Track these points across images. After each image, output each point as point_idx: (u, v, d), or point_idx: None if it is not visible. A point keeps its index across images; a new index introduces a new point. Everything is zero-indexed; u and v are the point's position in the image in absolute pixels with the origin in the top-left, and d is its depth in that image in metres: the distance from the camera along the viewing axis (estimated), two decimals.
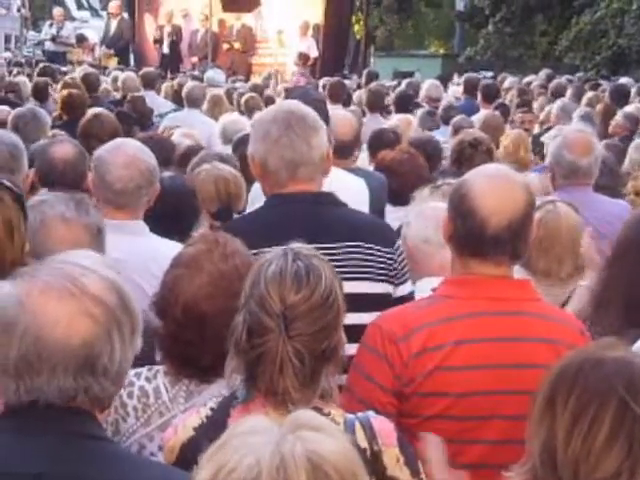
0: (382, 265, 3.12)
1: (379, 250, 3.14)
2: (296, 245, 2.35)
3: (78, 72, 11.76)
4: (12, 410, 1.90)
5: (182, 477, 1.96)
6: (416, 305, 2.81)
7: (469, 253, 2.74)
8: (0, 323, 1.87)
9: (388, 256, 3.15)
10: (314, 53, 19.52)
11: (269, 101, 10.23)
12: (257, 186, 5.54)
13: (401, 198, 4.95)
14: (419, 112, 9.61)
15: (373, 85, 11.42)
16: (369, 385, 2.65)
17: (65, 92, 8.46)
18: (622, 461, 1.72)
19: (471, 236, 2.71)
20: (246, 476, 1.44)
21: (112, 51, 19.24)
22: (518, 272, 3.74)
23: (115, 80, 12.35)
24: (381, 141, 6.30)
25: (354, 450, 1.53)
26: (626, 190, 5.45)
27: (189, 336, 2.52)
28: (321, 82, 13.61)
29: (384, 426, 2.30)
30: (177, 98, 10.74)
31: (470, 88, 11.36)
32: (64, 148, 4.43)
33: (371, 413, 2.34)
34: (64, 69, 14.87)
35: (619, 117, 8.95)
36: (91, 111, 6.69)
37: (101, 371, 1.87)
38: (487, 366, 2.65)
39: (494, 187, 2.73)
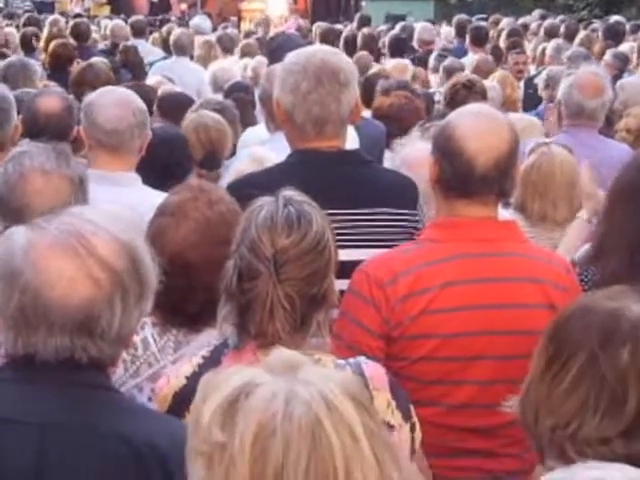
0: (409, 229, 3.06)
1: (406, 214, 3.08)
2: (288, 192, 2.33)
3: (49, 22, 11.60)
4: (12, 361, 1.90)
5: (182, 428, 1.97)
6: (402, 249, 2.80)
7: (456, 194, 2.73)
8: (5, 271, 1.85)
9: (414, 218, 3.11)
10: None
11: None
12: (247, 132, 5.55)
13: None
14: (432, 56, 9.57)
15: (366, 29, 11.32)
16: (357, 330, 2.66)
17: (53, 43, 8.42)
18: (574, 413, 1.71)
19: (458, 176, 2.70)
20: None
21: None
22: (512, 216, 3.74)
23: (104, 29, 12.25)
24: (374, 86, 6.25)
25: None
26: (617, 127, 5.42)
27: (176, 284, 2.50)
28: (314, 27, 13.50)
29: (375, 371, 2.30)
30: (166, 46, 10.66)
31: (461, 31, 11.27)
32: (50, 100, 4.39)
33: (362, 359, 2.34)
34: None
35: (608, 57, 8.88)
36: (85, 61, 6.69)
37: (99, 333, 1.85)
38: (474, 307, 2.66)
39: (479, 126, 2.72)
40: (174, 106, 5.49)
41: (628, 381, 1.69)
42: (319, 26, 12.65)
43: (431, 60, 9.42)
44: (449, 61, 8.23)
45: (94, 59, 7.08)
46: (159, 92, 6.10)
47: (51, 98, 4.44)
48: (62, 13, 17.12)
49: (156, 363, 2.54)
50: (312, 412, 1.35)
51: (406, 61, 8.96)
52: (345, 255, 2.66)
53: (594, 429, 1.70)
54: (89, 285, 1.83)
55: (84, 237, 1.85)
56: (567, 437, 1.72)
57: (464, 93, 5.75)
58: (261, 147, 4.31)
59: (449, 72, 7.49)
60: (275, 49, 7.88)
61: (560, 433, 1.73)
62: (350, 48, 9.72)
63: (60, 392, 1.85)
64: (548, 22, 12.86)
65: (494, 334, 2.66)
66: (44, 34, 10.27)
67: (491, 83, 6.90)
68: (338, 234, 2.58)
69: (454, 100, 5.71)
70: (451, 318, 2.64)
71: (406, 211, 3.09)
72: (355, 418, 1.37)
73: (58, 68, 7.89)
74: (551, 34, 11.38)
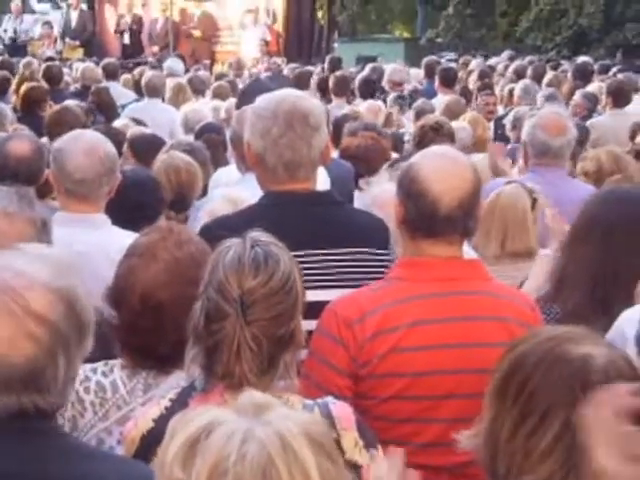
0: (380, 269, 3.07)
1: (376, 254, 3.10)
2: (255, 233, 2.35)
3: (23, 65, 11.63)
4: None
5: (142, 469, 1.95)
6: (370, 288, 2.82)
7: (422, 235, 2.77)
8: None
9: (386, 258, 3.12)
10: (268, 37, 19.87)
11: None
12: (218, 173, 5.56)
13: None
14: (390, 97, 9.65)
15: (339, 72, 11.41)
16: (326, 370, 2.67)
17: (24, 86, 8.45)
18: (555, 470, 1.65)
19: (423, 217, 2.74)
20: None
21: (77, 42, 19.08)
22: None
23: (76, 71, 12.28)
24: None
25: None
26: (575, 172, 5.43)
27: (146, 324, 2.51)
28: (285, 70, 13.58)
29: (343, 411, 2.30)
30: (138, 88, 10.69)
31: (430, 72, 11.39)
32: (21, 144, 4.39)
33: (330, 399, 2.35)
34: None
35: (578, 97, 8.98)
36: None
37: (46, 388, 1.84)
38: (441, 346, 2.68)
39: (442, 168, 2.76)
40: (145, 148, 5.51)
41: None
42: (291, 68, 12.74)
43: (389, 101, 9.49)
44: (420, 103, 8.30)
45: (67, 102, 7.10)
46: (128, 134, 6.11)
47: (22, 142, 4.43)
48: (34, 56, 17.11)
49: (125, 406, 2.53)
50: (265, 452, 1.36)
51: (379, 103, 9.04)
52: (314, 295, 2.68)
53: None
54: (29, 343, 1.81)
55: (17, 294, 1.82)
56: None
57: (432, 135, 5.80)
58: (234, 187, 4.32)
59: (419, 114, 7.56)
60: (244, 92, 7.93)
61: None
62: (324, 90, 9.84)
63: (8, 441, 1.82)
64: (517, 64, 13.02)
65: (463, 372, 2.67)
66: (16, 77, 10.28)
67: (461, 124, 6.96)
68: (310, 274, 2.59)
69: (422, 142, 5.75)
70: (419, 357, 2.66)
71: (377, 251, 3.11)
72: (310, 459, 1.37)
73: (29, 111, 7.92)
74: (520, 75, 11.53)
